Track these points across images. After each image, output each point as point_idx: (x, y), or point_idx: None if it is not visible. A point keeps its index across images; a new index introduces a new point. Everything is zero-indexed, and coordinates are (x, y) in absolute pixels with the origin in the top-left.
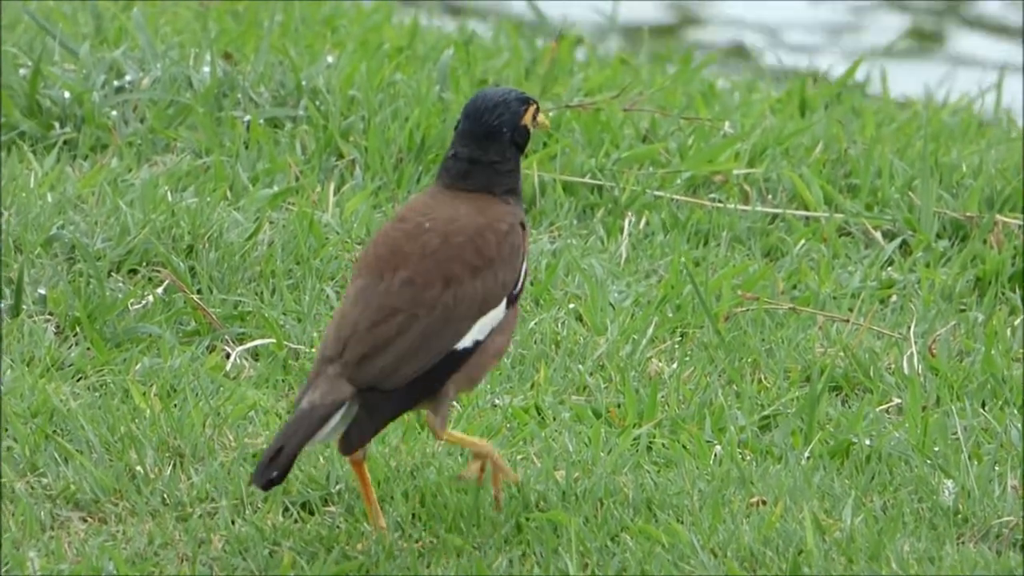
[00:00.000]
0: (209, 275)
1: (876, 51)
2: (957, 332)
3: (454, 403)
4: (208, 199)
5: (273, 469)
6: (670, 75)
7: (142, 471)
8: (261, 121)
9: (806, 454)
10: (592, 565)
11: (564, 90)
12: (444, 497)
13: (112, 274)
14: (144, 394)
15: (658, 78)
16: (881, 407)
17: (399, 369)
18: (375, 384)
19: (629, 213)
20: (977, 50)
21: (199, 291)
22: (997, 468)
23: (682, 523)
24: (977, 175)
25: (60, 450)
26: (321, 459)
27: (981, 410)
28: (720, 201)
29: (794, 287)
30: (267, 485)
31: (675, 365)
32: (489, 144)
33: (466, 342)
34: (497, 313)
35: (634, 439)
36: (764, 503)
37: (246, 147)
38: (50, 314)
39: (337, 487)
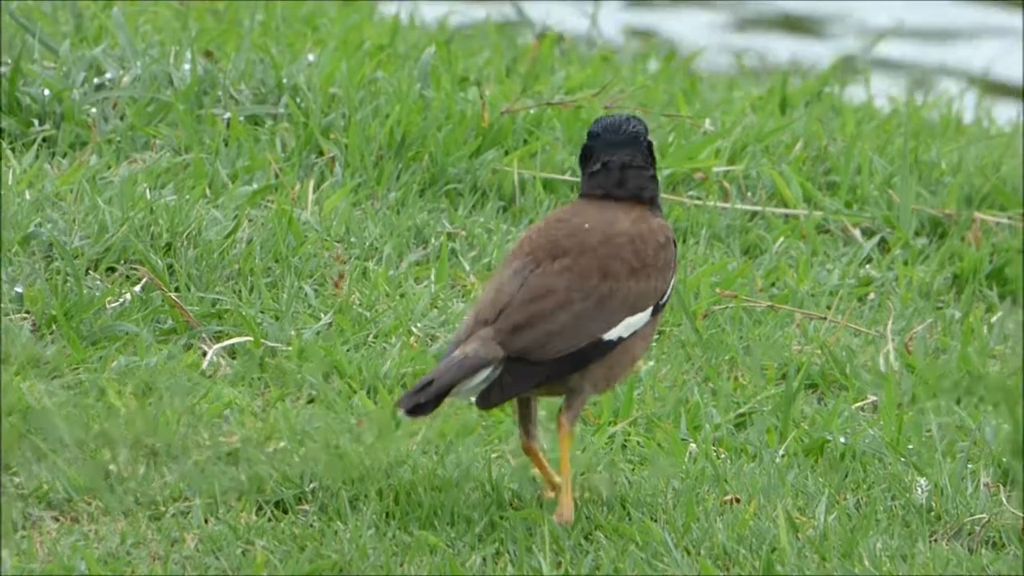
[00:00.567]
0: (187, 273)
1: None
2: (934, 329)
3: (586, 403)
4: (187, 197)
5: (422, 396)
6: (651, 73)
7: (116, 470)
8: (241, 118)
9: (781, 452)
10: (566, 563)
11: (545, 88)
12: (418, 496)
13: (90, 272)
14: (119, 392)
15: (639, 76)
16: (857, 405)
17: (548, 344)
18: (524, 354)
19: None
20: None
21: (177, 289)
22: (970, 466)
23: (656, 521)
24: (956, 173)
25: (34, 449)
26: (296, 457)
27: (956, 407)
28: (700, 198)
29: (772, 284)
30: (414, 410)
31: (652, 363)
32: (635, 150)
33: (613, 335)
34: (644, 316)
35: (609, 437)
36: (738, 501)
37: (226, 144)
38: (27, 312)
39: (311, 486)
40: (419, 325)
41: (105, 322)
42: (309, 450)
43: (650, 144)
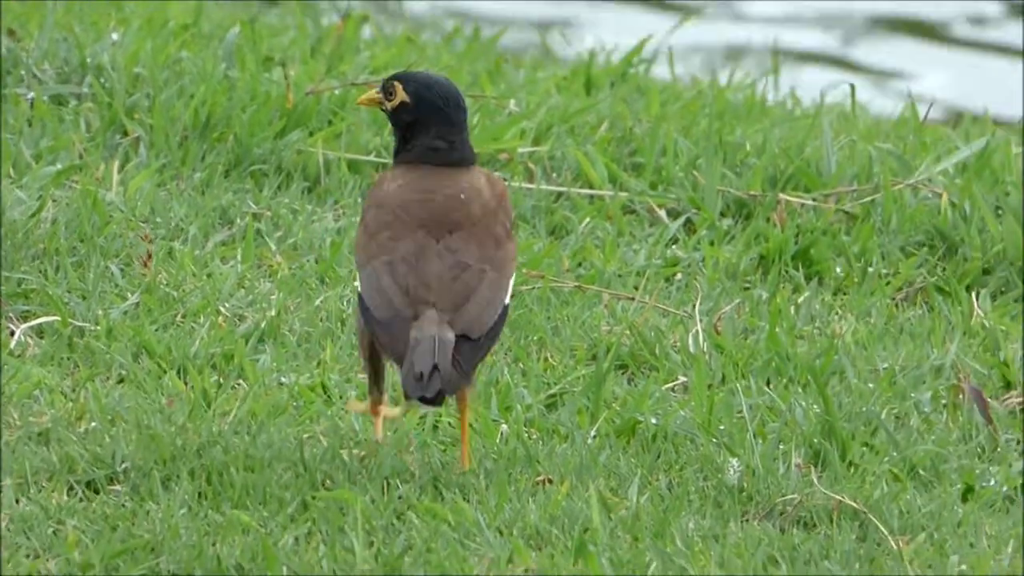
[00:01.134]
0: None
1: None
2: (742, 310)
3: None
4: None
5: (431, 389)
6: (456, 53)
7: None
8: (45, 98)
9: (592, 433)
10: (378, 543)
11: (350, 68)
12: (231, 476)
13: None
14: None
15: (444, 55)
16: (667, 385)
17: (482, 318)
18: (466, 331)
19: None
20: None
21: None
22: (782, 446)
23: (468, 501)
24: (761, 154)
25: None
26: (107, 438)
27: (766, 388)
28: (505, 179)
29: (579, 265)
30: (434, 399)
31: None
32: (465, 117)
33: (508, 299)
34: (514, 277)
35: (420, 417)
36: (550, 482)
37: (29, 124)
38: None
39: (123, 466)
40: (227, 305)
41: None
42: (120, 430)
43: None
